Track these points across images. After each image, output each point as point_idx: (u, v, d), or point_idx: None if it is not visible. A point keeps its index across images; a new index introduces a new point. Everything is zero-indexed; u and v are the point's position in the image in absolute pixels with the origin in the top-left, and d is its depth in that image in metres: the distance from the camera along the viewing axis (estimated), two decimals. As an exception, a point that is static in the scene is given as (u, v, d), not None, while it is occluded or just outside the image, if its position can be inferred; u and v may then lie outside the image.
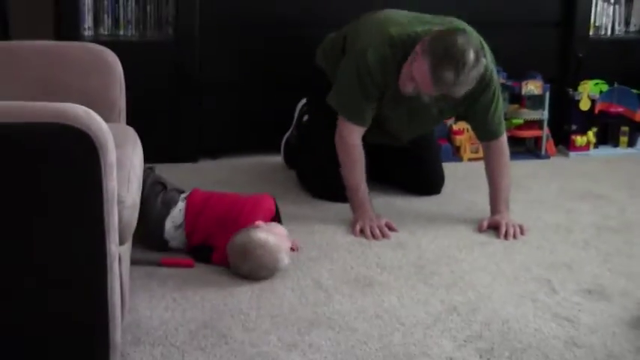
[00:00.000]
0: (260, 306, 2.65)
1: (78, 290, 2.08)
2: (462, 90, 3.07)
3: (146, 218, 2.86)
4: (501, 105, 3.35)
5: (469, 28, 3.21)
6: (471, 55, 2.99)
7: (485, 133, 3.36)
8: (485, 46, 3.24)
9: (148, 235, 2.95)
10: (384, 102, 3.29)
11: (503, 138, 3.37)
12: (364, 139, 3.37)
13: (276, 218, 3.03)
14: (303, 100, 3.85)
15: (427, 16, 3.33)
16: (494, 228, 3.27)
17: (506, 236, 3.21)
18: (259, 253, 2.80)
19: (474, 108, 3.31)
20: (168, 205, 3.00)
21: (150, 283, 2.77)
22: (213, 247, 2.92)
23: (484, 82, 3.22)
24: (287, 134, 3.87)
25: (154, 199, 2.99)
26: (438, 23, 3.22)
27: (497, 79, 3.32)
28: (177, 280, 2.81)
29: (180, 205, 3.01)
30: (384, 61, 3.18)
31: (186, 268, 2.89)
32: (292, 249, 2.96)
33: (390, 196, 3.63)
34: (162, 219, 2.98)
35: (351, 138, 3.27)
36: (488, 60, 3.22)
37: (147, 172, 2.97)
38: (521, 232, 3.25)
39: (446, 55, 2.99)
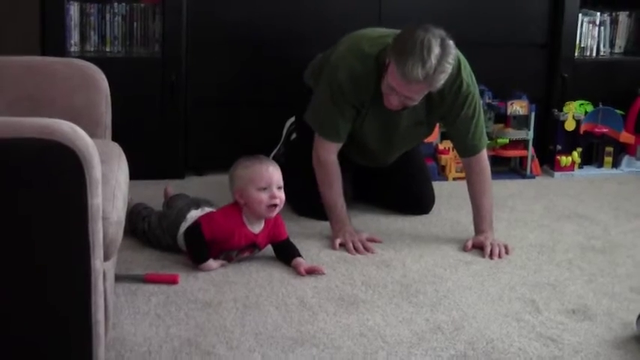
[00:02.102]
0: (244, 323, 2.65)
1: (62, 306, 2.07)
2: (438, 79, 3.01)
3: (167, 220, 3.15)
4: (482, 120, 3.35)
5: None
6: (434, 42, 2.97)
7: (466, 149, 3.36)
8: (465, 62, 3.25)
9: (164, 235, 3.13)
10: (361, 120, 3.29)
11: (484, 154, 3.37)
12: (349, 159, 3.37)
13: None
14: (292, 119, 3.85)
15: None
16: (479, 248, 3.28)
17: (491, 256, 3.22)
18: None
19: (455, 123, 3.32)
20: (187, 210, 3.14)
21: (134, 300, 2.76)
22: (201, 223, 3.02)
23: (463, 96, 3.23)
24: (274, 151, 3.87)
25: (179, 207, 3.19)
26: None
27: (478, 95, 3.32)
28: (162, 296, 2.80)
29: (198, 212, 3.12)
30: (356, 78, 3.19)
31: (171, 284, 2.88)
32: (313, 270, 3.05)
33: (374, 214, 3.63)
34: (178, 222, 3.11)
35: (328, 155, 3.29)
36: (468, 75, 3.23)
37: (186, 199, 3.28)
38: (506, 252, 3.26)
39: (407, 48, 2.97)
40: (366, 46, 3.22)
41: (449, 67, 3.03)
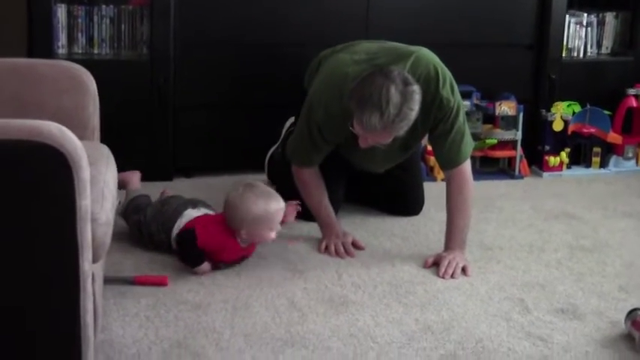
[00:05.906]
0: (234, 325, 2.64)
1: (50, 309, 2.06)
2: (399, 127, 2.90)
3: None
4: (463, 135, 3.19)
5: (425, 58, 3.12)
6: (393, 90, 2.84)
7: (444, 161, 3.24)
8: (444, 76, 3.12)
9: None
10: (341, 149, 3.28)
11: (464, 168, 3.21)
12: (343, 161, 3.36)
13: None
14: (292, 119, 3.84)
15: (388, 47, 3.27)
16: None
17: (444, 275, 3.08)
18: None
19: (433, 135, 3.22)
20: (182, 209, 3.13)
21: (123, 302, 2.76)
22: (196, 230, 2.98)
23: (442, 111, 3.11)
24: (272, 149, 3.87)
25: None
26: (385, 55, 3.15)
27: (460, 107, 3.16)
28: (151, 298, 2.79)
29: (195, 211, 3.11)
30: (331, 119, 3.10)
31: (160, 286, 2.87)
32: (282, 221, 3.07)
33: (364, 214, 3.64)
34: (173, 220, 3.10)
35: (304, 173, 3.31)
36: (447, 91, 3.10)
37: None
38: (465, 273, 3.11)
39: (365, 98, 2.87)
40: (343, 81, 3.08)
41: (411, 113, 2.90)
